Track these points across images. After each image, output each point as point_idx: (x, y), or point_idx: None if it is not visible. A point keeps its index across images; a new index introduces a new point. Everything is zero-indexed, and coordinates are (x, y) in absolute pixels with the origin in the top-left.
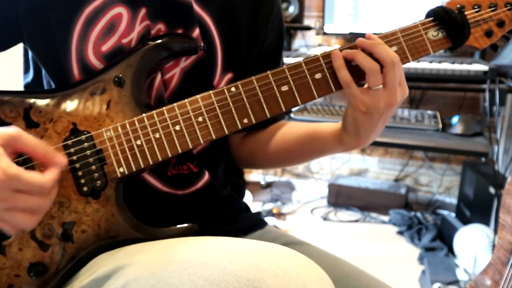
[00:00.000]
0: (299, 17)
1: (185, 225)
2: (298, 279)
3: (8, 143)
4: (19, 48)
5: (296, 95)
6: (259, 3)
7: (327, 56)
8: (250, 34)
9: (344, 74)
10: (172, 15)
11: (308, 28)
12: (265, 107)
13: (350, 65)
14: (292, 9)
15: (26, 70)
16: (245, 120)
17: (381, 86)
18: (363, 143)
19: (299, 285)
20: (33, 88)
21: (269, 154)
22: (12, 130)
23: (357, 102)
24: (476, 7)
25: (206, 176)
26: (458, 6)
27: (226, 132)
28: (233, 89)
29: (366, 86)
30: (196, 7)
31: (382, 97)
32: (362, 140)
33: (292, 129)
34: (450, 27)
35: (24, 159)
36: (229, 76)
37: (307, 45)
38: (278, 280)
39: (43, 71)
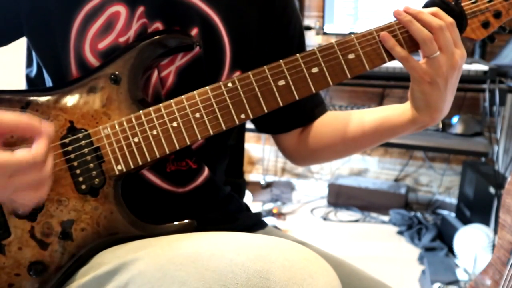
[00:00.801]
0: None
1: (184, 221)
2: (304, 270)
3: None
4: (20, 42)
5: (293, 89)
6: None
7: (323, 49)
8: (259, 30)
9: (399, 51)
10: (170, 14)
11: (308, 28)
12: (262, 102)
13: (398, 39)
14: None
15: (28, 64)
16: (243, 116)
17: (438, 52)
18: (438, 116)
19: (305, 276)
20: (36, 82)
21: (336, 146)
22: None
23: (419, 73)
24: None
25: (206, 172)
26: None
27: (224, 127)
28: (229, 84)
29: (423, 56)
30: (202, 5)
31: (442, 62)
32: (436, 113)
33: (357, 119)
34: None
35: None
36: (237, 73)
37: (307, 45)
38: (285, 271)
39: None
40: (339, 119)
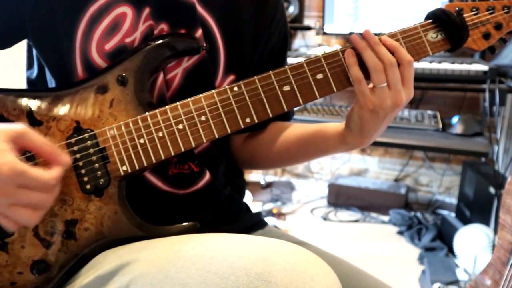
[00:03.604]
0: (299, 17)
1: (188, 223)
2: (305, 272)
3: (15, 140)
4: (20, 44)
5: (298, 95)
6: (263, 5)
7: (328, 56)
8: (253, 36)
9: (356, 71)
10: (175, 16)
11: (308, 28)
12: (267, 106)
13: (361, 63)
14: (292, 9)
15: (29, 66)
16: (248, 120)
17: (385, 84)
18: (366, 142)
19: (306, 279)
20: (37, 84)
21: (271, 155)
22: (19, 127)
23: (365, 99)
24: (474, 10)
25: (207, 176)
26: (457, 8)
27: (229, 131)
28: (235, 88)
29: (371, 85)
30: (199, 8)
31: (388, 96)
32: (365, 139)
33: (294, 129)
34: (449, 29)
35: (27, 157)
36: (231, 77)
37: (307, 45)
38: (286, 274)
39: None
40: (281, 129)
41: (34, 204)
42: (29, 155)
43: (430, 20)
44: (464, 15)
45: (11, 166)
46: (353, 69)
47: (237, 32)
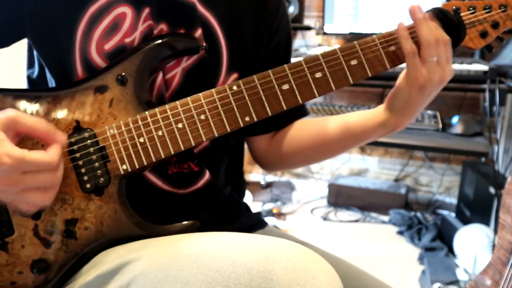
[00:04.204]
0: (299, 17)
1: (188, 222)
2: (307, 271)
3: (9, 127)
4: (20, 43)
5: (297, 93)
6: (264, 4)
7: (327, 55)
8: (255, 35)
9: (410, 43)
10: (174, 16)
11: (308, 28)
12: (266, 105)
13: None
14: (292, 9)
15: (30, 65)
16: (247, 118)
17: (435, 58)
18: (407, 122)
19: (308, 277)
20: (38, 84)
21: (304, 151)
22: (10, 113)
23: (417, 74)
24: (471, 8)
25: (207, 175)
26: (454, 7)
27: (228, 130)
28: (234, 87)
29: (421, 60)
30: (201, 8)
31: (437, 71)
32: (408, 117)
33: (327, 122)
34: (447, 28)
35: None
36: (234, 76)
37: (307, 45)
38: (288, 272)
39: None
40: (312, 124)
41: (43, 185)
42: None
43: None
44: (461, 14)
45: (8, 154)
46: (407, 42)
47: (239, 31)
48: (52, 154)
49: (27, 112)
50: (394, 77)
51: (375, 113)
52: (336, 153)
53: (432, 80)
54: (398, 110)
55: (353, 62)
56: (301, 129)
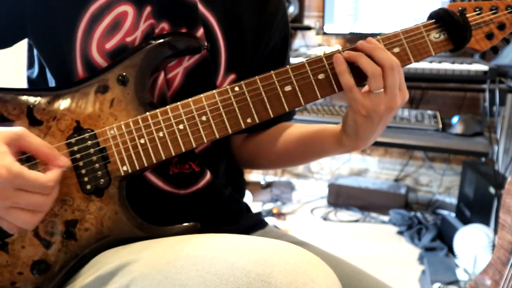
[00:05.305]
0: (299, 17)
1: (188, 223)
2: (306, 273)
3: (13, 142)
4: (20, 43)
5: (299, 95)
6: (264, 5)
7: (330, 57)
8: (254, 36)
9: (346, 79)
10: (176, 14)
11: (308, 28)
12: (268, 107)
13: (352, 66)
14: (292, 9)
15: (30, 65)
16: (249, 120)
17: (382, 90)
18: (362, 145)
19: (307, 280)
20: (38, 84)
21: (270, 155)
22: (17, 129)
23: (358, 105)
24: (477, 9)
25: (208, 176)
26: (460, 8)
27: (230, 131)
28: (236, 88)
29: (367, 89)
30: (201, 7)
31: (383, 101)
32: (361, 142)
33: (293, 130)
34: (452, 29)
35: (27, 157)
36: (232, 77)
37: (307, 45)
38: (286, 275)
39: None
40: (280, 130)
41: (33, 207)
42: (28, 155)
43: (433, 20)
44: (467, 15)
45: (7, 168)
46: (344, 77)
47: (238, 32)
48: (49, 177)
49: (27, 112)
50: None
51: (334, 132)
52: (299, 162)
53: (377, 110)
54: (350, 135)
55: (356, 65)
56: (269, 134)
